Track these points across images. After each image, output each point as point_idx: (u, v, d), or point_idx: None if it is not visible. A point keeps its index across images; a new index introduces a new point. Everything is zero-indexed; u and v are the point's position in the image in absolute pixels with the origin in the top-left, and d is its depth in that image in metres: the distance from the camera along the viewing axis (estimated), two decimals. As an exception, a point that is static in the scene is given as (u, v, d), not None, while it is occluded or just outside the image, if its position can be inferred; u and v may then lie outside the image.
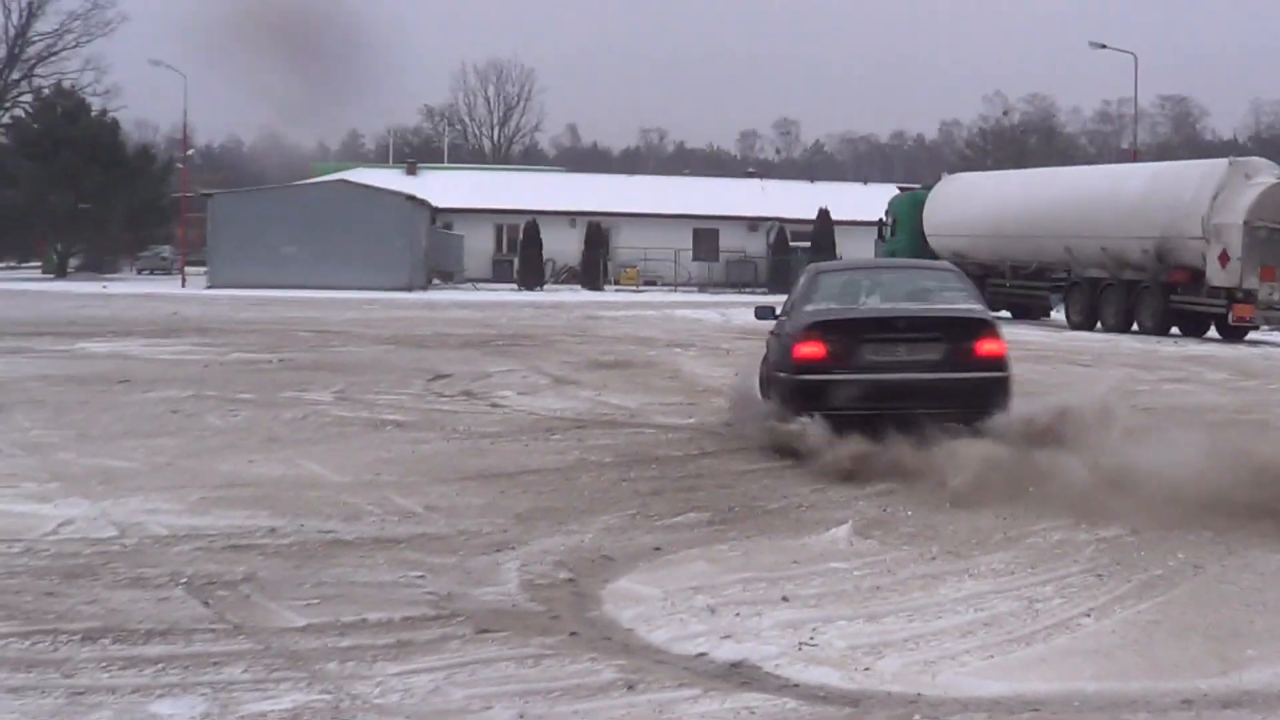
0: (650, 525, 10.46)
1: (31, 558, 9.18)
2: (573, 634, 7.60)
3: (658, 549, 9.68)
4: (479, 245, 73.03)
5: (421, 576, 8.76)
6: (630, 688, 6.65)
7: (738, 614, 7.95)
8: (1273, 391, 22.22)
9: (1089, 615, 7.99)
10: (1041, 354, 28.02)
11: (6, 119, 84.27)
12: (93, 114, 78.27)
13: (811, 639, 7.47)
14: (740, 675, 6.91)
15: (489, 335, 31.37)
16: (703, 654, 7.24)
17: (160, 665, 6.98)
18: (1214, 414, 18.23)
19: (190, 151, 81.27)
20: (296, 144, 77.09)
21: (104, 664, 7.00)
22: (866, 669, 7.00)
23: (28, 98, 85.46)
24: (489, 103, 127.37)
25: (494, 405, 18.02)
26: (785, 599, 8.28)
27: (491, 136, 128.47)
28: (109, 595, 8.25)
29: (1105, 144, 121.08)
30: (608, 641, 7.51)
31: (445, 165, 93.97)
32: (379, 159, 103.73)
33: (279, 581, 8.63)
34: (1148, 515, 10.29)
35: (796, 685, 6.76)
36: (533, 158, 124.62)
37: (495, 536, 9.96)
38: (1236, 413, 18.62)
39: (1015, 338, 33.00)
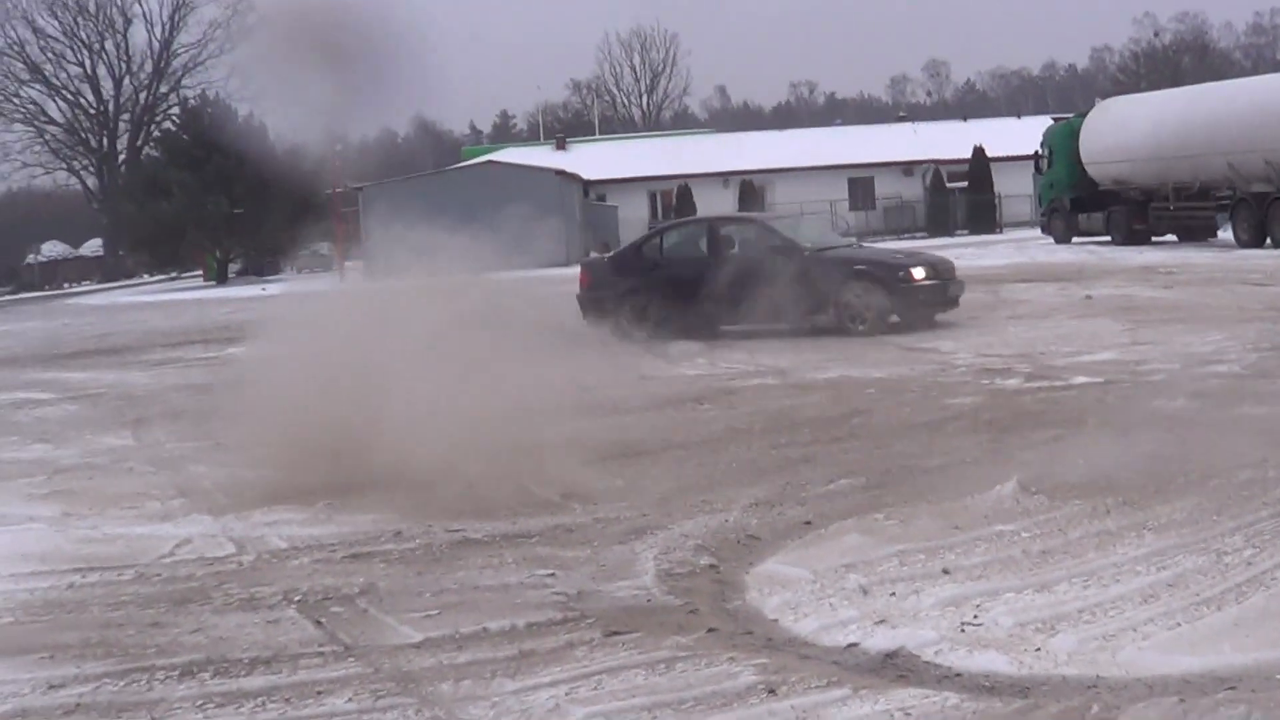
0: (800, 496, 9.69)
1: (142, 584, 8.62)
2: (711, 630, 6.87)
3: (808, 523, 8.92)
4: (633, 214, 72.14)
5: (551, 575, 8.09)
6: (771, 691, 5.91)
7: (893, 593, 7.19)
8: None
9: (1286, 566, 7.13)
10: (1211, 276, 26.78)
11: (157, 133, 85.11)
12: (240, 119, 78.64)
13: (975, 618, 6.69)
14: (895, 667, 6.15)
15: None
16: (854, 644, 6.49)
17: (260, 699, 6.38)
18: None
19: (339, 146, 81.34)
20: (449, 130, 76.72)
21: (200, 702, 6.41)
22: (1038, 650, 6.21)
23: (176, 110, 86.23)
24: (635, 71, 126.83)
25: (643, 377, 17.24)
26: (946, 571, 7.50)
27: (640, 105, 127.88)
28: (216, 621, 7.66)
29: (1261, 57, 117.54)
30: (749, 636, 6.77)
31: (595, 138, 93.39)
32: (531, 138, 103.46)
33: (398, 592, 7.99)
34: None
35: (959, 675, 6.00)
36: (683, 122, 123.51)
37: (634, 522, 9.25)
38: None
39: (1181, 261, 32.19)
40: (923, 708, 5.60)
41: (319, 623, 7.48)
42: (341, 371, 12.47)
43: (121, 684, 6.70)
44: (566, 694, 6.11)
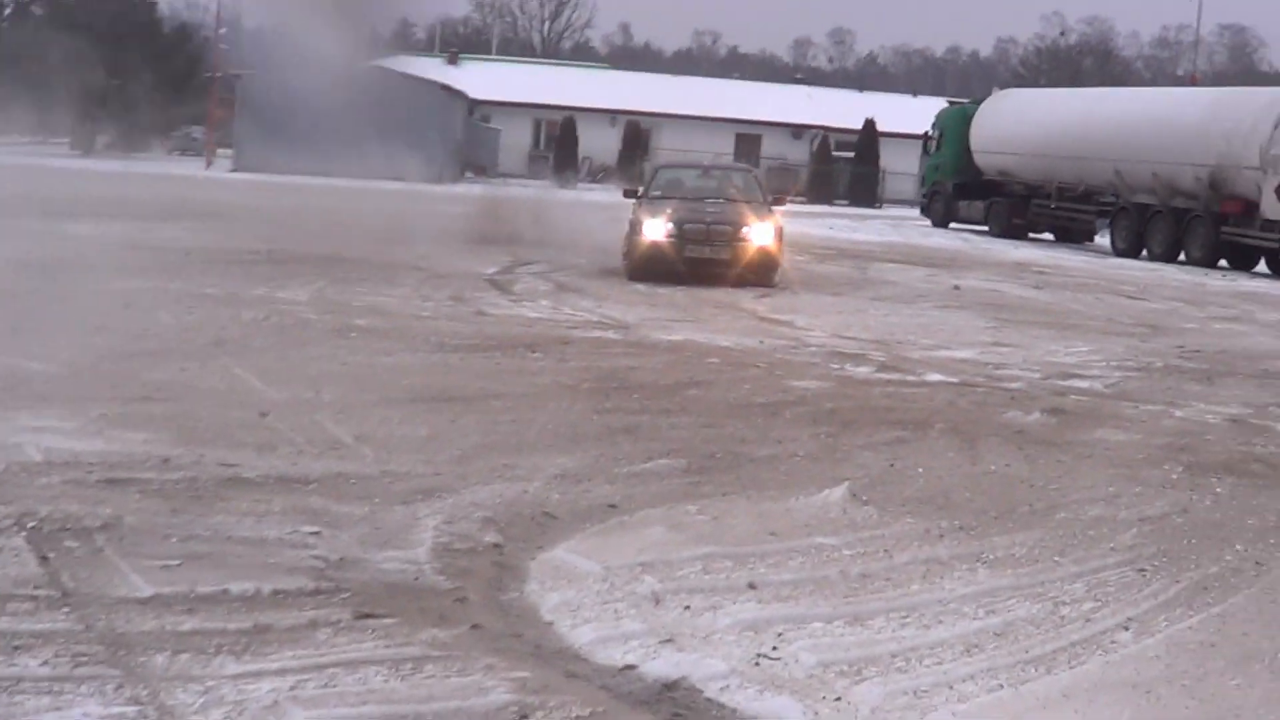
0: (612, 473, 8.83)
1: None
2: (475, 627, 5.99)
3: (613, 506, 8.07)
4: (516, 140, 71.07)
5: (316, 533, 7.18)
6: (523, 717, 5.06)
7: (688, 607, 6.34)
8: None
9: (1127, 628, 6.35)
10: (1084, 282, 26.29)
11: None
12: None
13: (775, 649, 5.86)
14: (673, 702, 5.32)
15: (503, 233, 29.64)
16: (631, 667, 5.65)
17: (-60, 649, 5.45)
18: (1272, 360, 16.53)
19: (223, 30, 79.16)
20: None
21: None
22: (838, 699, 5.39)
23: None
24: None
25: (480, 313, 16.43)
26: (752, 586, 6.66)
27: (542, 31, 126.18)
28: (-74, 539, 6.71)
29: (1161, 70, 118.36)
30: (516, 640, 5.91)
31: (488, 57, 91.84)
32: (429, 48, 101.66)
33: (144, 531, 7.04)
34: None
35: (740, 721, 5.18)
36: (582, 54, 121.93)
37: (425, 480, 8.36)
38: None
39: (1056, 261, 31.77)
40: (694, 762, 4.78)
41: (45, 559, 6.54)
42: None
43: None
44: (291, 688, 5.22)
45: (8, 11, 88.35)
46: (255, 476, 8.22)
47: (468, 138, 66.19)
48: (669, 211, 21.75)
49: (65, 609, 5.92)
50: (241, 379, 11.24)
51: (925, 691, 5.50)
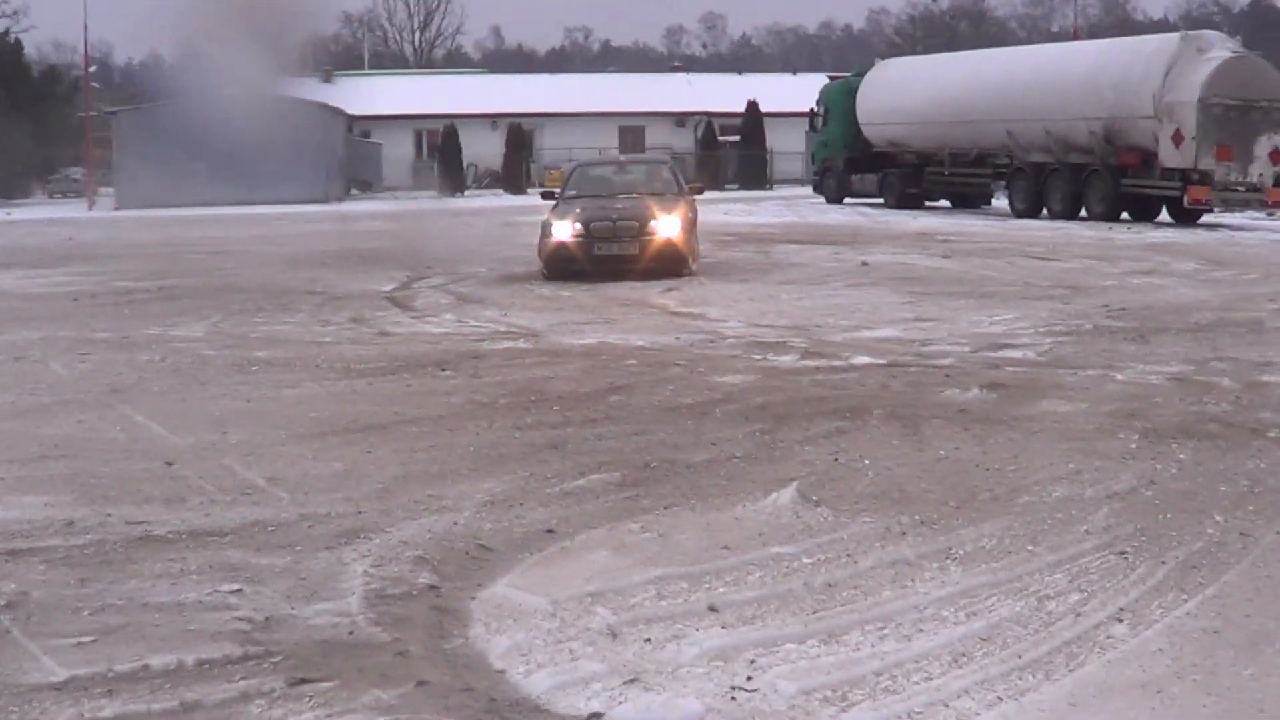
0: (544, 493, 8.33)
1: None
2: (420, 683, 5.48)
3: (550, 531, 7.56)
4: (398, 152, 70.49)
5: (238, 591, 6.64)
6: (485, 787, 4.58)
7: (648, 639, 5.85)
8: (1252, 283, 20.22)
9: (1121, 620, 5.91)
10: (991, 247, 26.01)
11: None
12: (-5, 35, 75.07)
13: (749, 679, 5.38)
14: (648, 752, 4.86)
15: (396, 248, 29.10)
16: (597, 715, 5.15)
17: None
18: (1200, 312, 16.27)
19: (92, 68, 77.97)
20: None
21: None
22: (828, 732, 4.95)
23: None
24: (409, 6, 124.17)
25: (383, 333, 15.87)
26: (713, 608, 6.18)
27: (413, 41, 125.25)
28: None
29: (1035, 28, 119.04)
30: (468, 695, 5.38)
31: (363, 72, 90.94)
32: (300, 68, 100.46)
33: (53, 606, 6.48)
34: None
35: (728, 768, 4.72)
36: (456, 61, 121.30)
37: (347, 521, 7.82)
38: (1223, 309, 16.65)
39: (958, 228, 31.53)
40: (679, 823, 4.31)
41: (-56, 647, 5.99)
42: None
43: None
44: (225, 776, 4.72)
45: None
46: (167, 533, 7.66)
47: (349, 154, 65.54)
48: (577, 211, 21.99)
49: (-29, 704, 5.38)
50: (143, 426, 10.66)
51: (919, 713, 5.03)
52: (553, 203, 23.31)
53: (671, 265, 21.39)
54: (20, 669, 5.72)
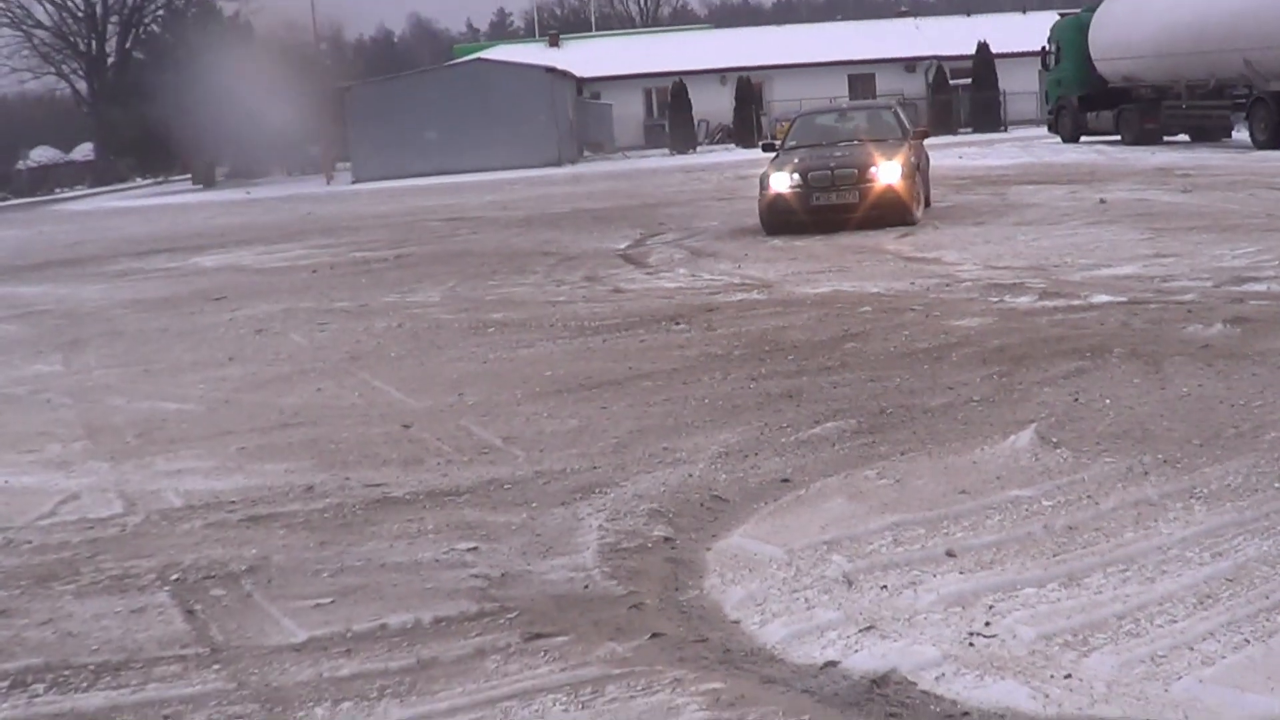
0: (779, 443, 8.27)
1: (6, 555, 7.23)
2: (655, 635, 5.46)
3: (786, 480, 7.50)
4: (628, 112, 70.78)
5: (474, 549, 6.69)
6: (722, 738, 4.53)
7: (884, 586, 5.76)
8: None
9: (1376, 556, 5.70)
10: (1232, 180, 25.22)
11: (143, 34, 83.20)
12: (225, 18, 76.81)
13: (988, 625, 5.26)
14: (885, 700, 4.73)
15: (629, 206, 29.25)
16: (832, 664, 5.07)
17: (89, 729, 5.02)
18: None
19: (324, 45, 79.26)
20: (445, 29, 74.87)
21: (17, 732, 5.06)
22: (1068, 676, 4.78)
23: (162, 11, 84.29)
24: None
25: (616, 290, 15.90)
26: (951, 554, 6.07)
27: (639, 1, 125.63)
28: (73, 609, 6.27)
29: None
30: (702, 646, 5.35)
31: (590, 34, 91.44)
32: (528, 35, 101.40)
33: (293, 569, 6.61)
34: None
35: (966, 714, 4.57)
36: (682, 19, 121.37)
37: (582, 476, 7.86)
38: None
39: (1197, 162, 30.66)
40: (919, 772, 4.22)
41: (191, 612, 6.11)
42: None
43: (-72, 704, 5.34)
44: (462, 732, 4.74)
45: (111, 60, 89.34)
46: (404, 495, 7.77)
47: (580, 117, 65.93)
48: (795, 161, 21.18)
49: (216, 666, 5.48)
50: (380, 392, 10.83)
51: (1163, 657, 4.87)
52: (772, 155, 22.72)
53: (894, 213, 20.51)
54: (261, 631, 5.83)
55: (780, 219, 21.02)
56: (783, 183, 20.93)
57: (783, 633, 5.38)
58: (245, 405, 10.74)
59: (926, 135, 23.74)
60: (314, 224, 32.46)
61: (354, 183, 57.40)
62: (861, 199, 20.46)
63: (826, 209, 20.63)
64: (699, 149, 63.88)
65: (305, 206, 41.38)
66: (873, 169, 20.55)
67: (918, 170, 21.55)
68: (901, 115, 23.92)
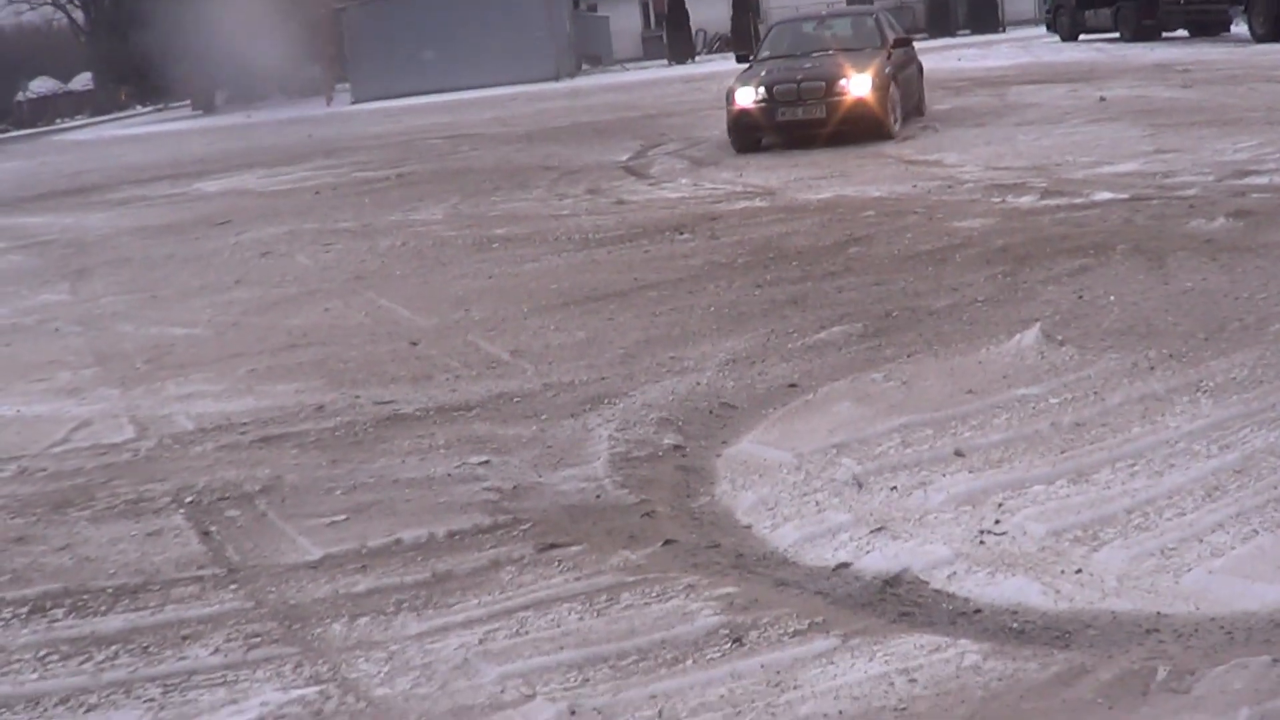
0: (786, 349, 8.30)
1: (21, 483, 7.27)
2: (668, 542, 5.51)
3: (793, 385, 7.54)
4: (625, 25, 70.41)
5: (485, 462, 6.73)
6: (737, 641, 4.57)
7: (894, 486, 5.81)
8: None
9: (1386, 442, 5.73)
10: (1232, 74, 25.09)
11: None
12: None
13: (998, 523, 5.31)
14: (898, 600, 4.79)
15: (630, 118, 29.11)
16: (844, 565, 5.12)
17: (112, 649, 5.05)
18: None
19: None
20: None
21: (42, 652, 5.09)
22: (1078, 571, 4.83)
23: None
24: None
25: (619, 202, 15.87)
26: (959, 453, 6.11)
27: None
28: (90, 534, 6.32)
29: None
30: (714, 551, 5.40)
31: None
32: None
33: (306, 488, 6.65)
34: None
35: (978, 611, 4.64)
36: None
37: (591, 388, 7.90)
38: None
39: (1196, 57, 30.48)
40: (931, 669, 4.24)
41: (206, 534, 6.16)
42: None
43: (-48, 627, 5.40)
44: (480, 641, 4.78)
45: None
46: (414, 411, 7.81)
47: (577, 30, 65.48)
48: (762, 74, 20.04)
49: (233, 586, 5.53)
50: (387, 310, 10.85)
51: (1173, 549, 4.92)
52: (745, 66, 21.52)
53: (866, 127, 19.25)
54: (277, 550, 5.88)
55: (746, 135, 19.95)
56: (747, 97, 19.70)
57: (794, 536, 5.43)
58: (253, 328, 10.76)
59: (907, 42, 22.21)
60: (315, 146, 32.32)
61: (353, 103, 57.19)
62: (830, 113, 19.22)
63: (793, 124, 19.50)
64: (697, 59, 63.53)
65: (306, 128, 41.20)
66: (842, 81, 19.20)
67: (894, 81, 20.05)
68: (885, 21, 22.45)
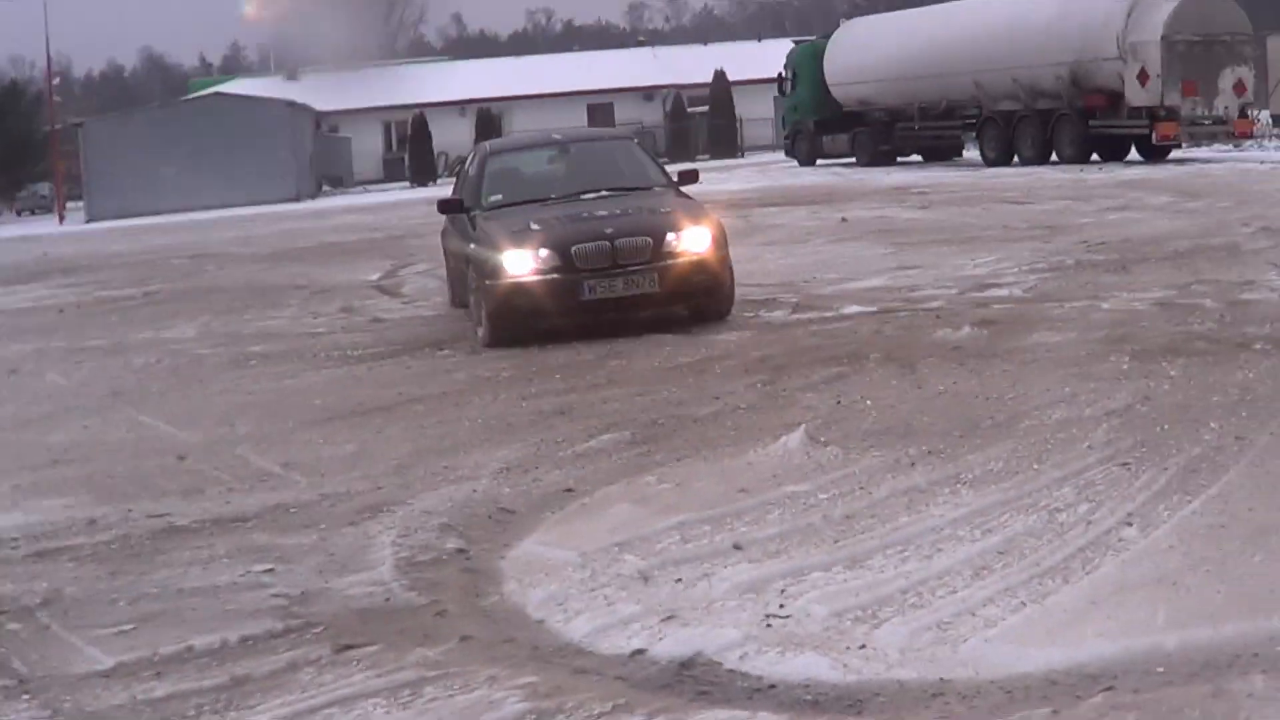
0: (558, 456, 8.50)
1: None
2: (464, 639, 5.64)
3: (569, 490, 7.73)
4: (368, 146, 70.46)
5: (269, 570, 6.77)
6: (544, 724, 4.73)
7: (679, 579, 6.03)
8: (1226, 210, 20.37)
9: (1130, 524, 6.13)
10: (967, 195, 26.14)
11: None
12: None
13: (782, 607, 5.56)
14: (694, 680, 5.00)
15: (376, 239, 29.24)
16: (640, 651, 5.31)
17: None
18: (1177, 241, 16.44)
19: (56, 79, 77.58)
20: (178, 63, 73.74)
21: None
22: (863, 646, 5.11)
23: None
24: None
25: (375, 320, 15.99)
26: (738, 546, 6.36)
27: (375, 33, 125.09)
28: None
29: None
30: (510, 645, 5.54)
31: (328, 66, 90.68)
32: (263, 70, 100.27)
33: (89, 600, 6.61)
34: None
35: (773, 687, 4.87)
36: (419, 51, 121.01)
37: (368, 497, 7.98)
38: (1200, 237, 16.82)
39: (932, 180, 31.67)
40: (735, 740, 4.47)
41: (-11, 646, 6.11)
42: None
43: None
44: (286, 739, 4.86)
45: None
46: (190, 523, 7.79)
47: (319, 151, 65.37)
48: (532, 226, 13.22)
49: (25, 696, 5.50)
50: (149, 426, 10.78)
51: (949, 623, 5.23)
52: (463, 216, 14.61)
53: (712, 300, 13.34)
54: (65, 660, 5.84)
55: (522, 324, 13.00)
56: (523, 264, 12.85)
57: (587, 628, 5.60)
58: (12, 445, 10.57)
59: (694, 177, 15.19)
60: (53, 264, 31.70)
61: (88, 221, 56.21)
62: (662, 282, 12.83)
63: (610, 304, 12.91)
64: (439, 181, 63.85)
65: (40, 246, 40.42)
66: (670, 236, 13.02)
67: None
68: (650, 152, 16.72)
